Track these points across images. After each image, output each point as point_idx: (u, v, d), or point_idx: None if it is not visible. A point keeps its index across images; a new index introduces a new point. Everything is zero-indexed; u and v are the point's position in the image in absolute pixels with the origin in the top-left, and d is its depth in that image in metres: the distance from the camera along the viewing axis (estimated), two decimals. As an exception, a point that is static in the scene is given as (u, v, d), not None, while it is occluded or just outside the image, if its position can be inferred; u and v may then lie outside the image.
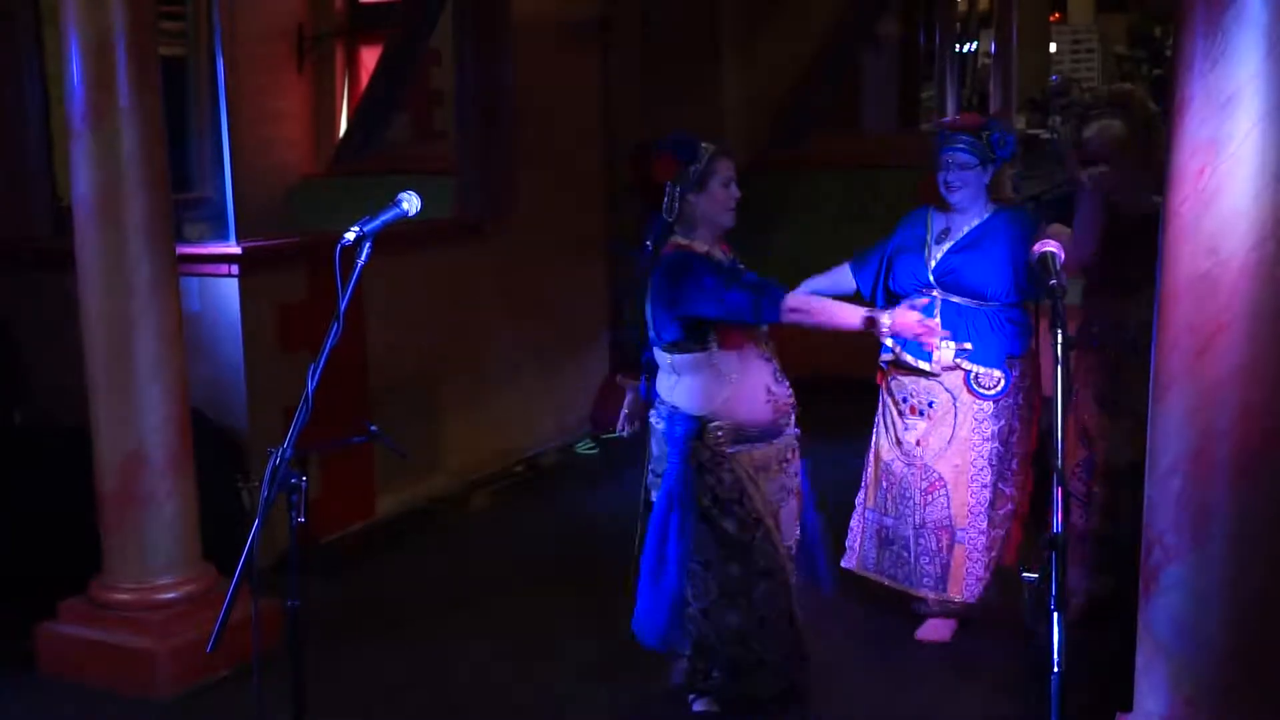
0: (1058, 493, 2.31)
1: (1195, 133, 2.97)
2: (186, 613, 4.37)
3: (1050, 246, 2.86)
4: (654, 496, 3.83)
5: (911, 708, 4.17)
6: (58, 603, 4.51)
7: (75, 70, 4.15)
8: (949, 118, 4.58)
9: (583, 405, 7.60)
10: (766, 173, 9.17)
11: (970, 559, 4.41)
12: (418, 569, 5.58)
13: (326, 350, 2.73)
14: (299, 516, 2.75)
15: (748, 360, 3.74)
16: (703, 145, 3.75)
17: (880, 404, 4.56)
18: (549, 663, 4.49)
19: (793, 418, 3.88)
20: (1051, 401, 2.44)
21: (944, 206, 4.41)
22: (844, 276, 4.60)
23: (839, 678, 4.32)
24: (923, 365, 4.35)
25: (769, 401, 3.77)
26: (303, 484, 2.74)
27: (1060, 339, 2.50)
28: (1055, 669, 2.22)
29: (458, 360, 6.60)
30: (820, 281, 4.54)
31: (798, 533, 3.97)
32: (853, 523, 4.66)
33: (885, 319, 3.71)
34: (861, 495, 4.64)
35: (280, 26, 8.13)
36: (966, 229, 4.35)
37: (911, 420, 4.43)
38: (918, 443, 4.41)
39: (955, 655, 4.50)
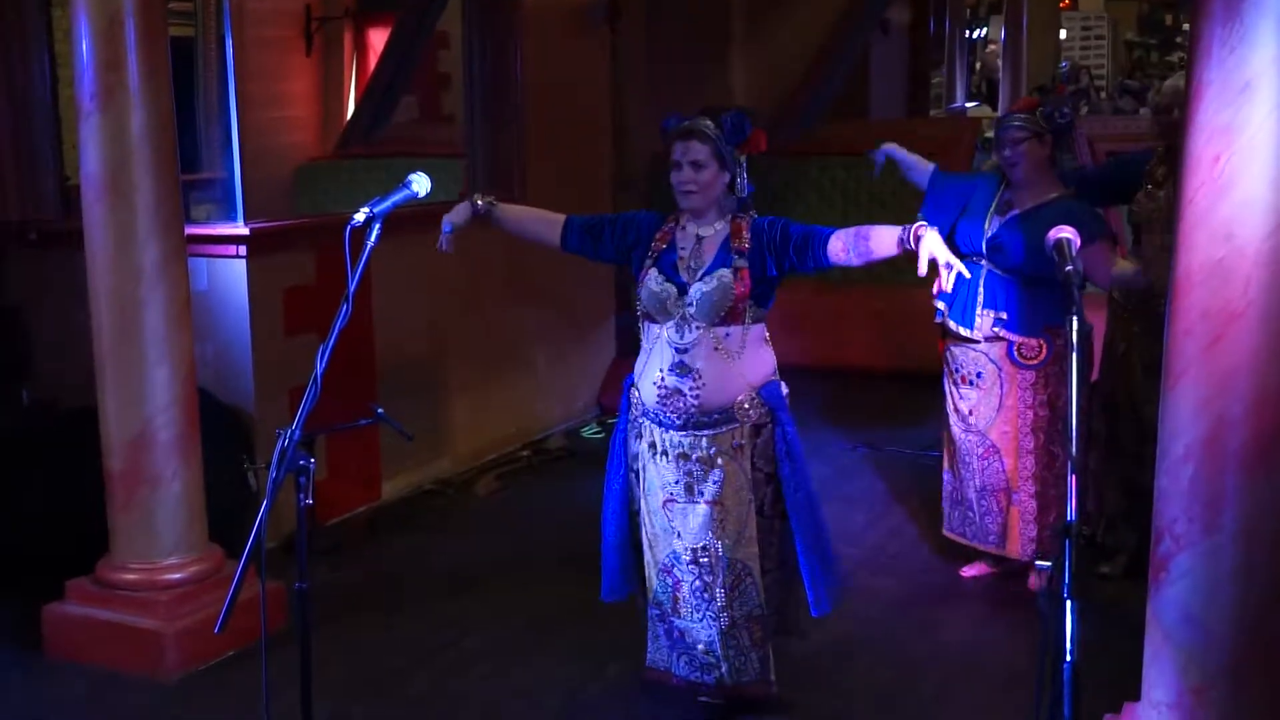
0: (1072, 481, 2.29)
1: (1211, 119, 2.95)
2: (193, 593, 4.38)
3: (1065, 233, 2.84)
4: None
5: (923, 696, 4.17)
6: (65, 583, 4.51)
7: (85, 50, 4.14)
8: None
9: (589, 389, 7.59)
10: (775, 159, 9.16)
11: (1023, 520, 4.69)
12: (423, 552, 5.58)
13: (336, 332, 2.71)
14: (306, 499, 2.74)
15: (651, 338, 3.69)
16: (673, 125, 3.64)
17: (943, 371, 4.84)
18: (553, 646, 4.49)
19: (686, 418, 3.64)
20: (1066, 388, 2.43)
21: (992, 177, 4.74)
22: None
23: (847, 663, 4.32)
24: (963, 332, 4.63)
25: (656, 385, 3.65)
26: (310, 466, 2.73)
27: (1076, 326, 2.48)
28: (1068, 658, 2.21)
29: (464, 344, 6.59)
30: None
31: (717, 544, 3.68)
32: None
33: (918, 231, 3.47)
34: (944, 459, 4.96)
35: (289, 8, 8.12)
36: (1027, 206, 4.56)
37: (965, 390, 4.72)
38: (970, 411, 4.71)
39: (967, 644, 4.50)
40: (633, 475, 3.81)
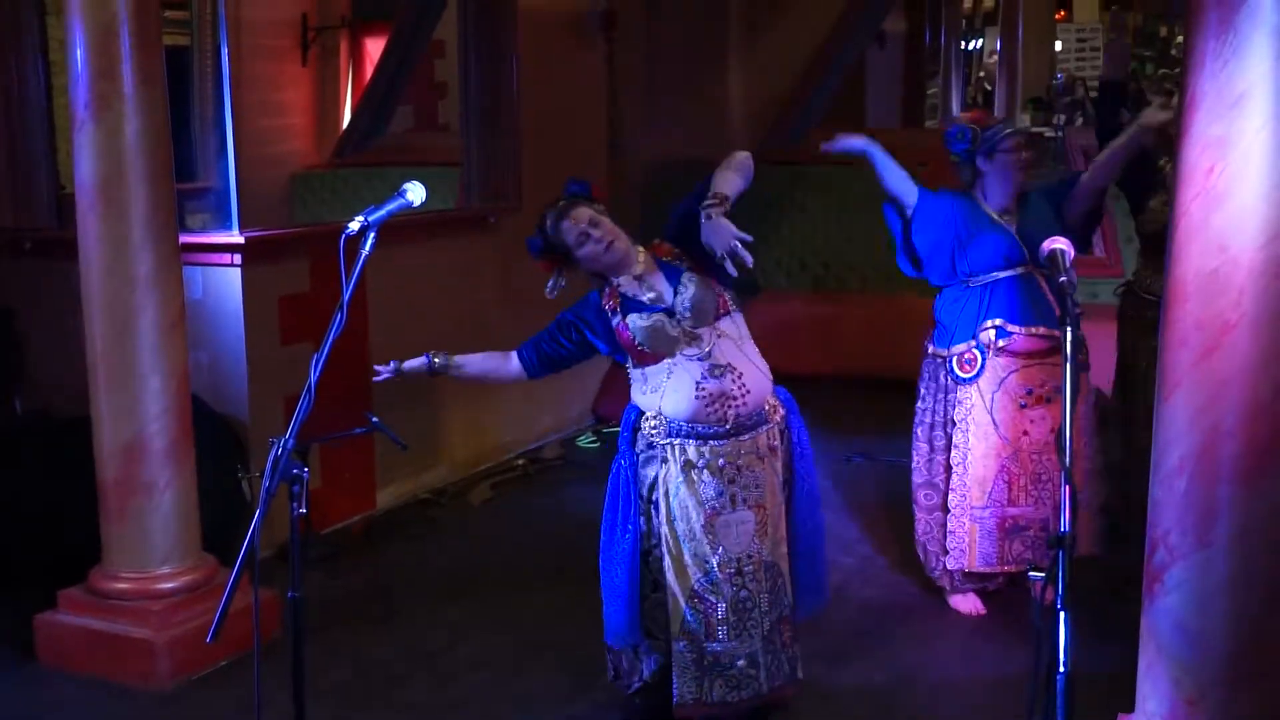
0: (1065, 492, 2.29)
1: (1205, 131, 2.96)
2: (186, 603, 4.36)
3: (1059, 244, 2.85)
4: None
5: (916, 705, 4.17)
6: (57, 592, 4.50)
7: (79, 58, 4.14)
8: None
9: (584, 398, 7.59)
10: (770, 166, 9.17)
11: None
12: (418, 561, 5.57)
13: (330, 340, 2.71)
14: (300, 508, 2.73)
15: (661, 373, 3.69)
16: (545, 221, 3.72)
17: (974, 406, 4.65)
18: (549, 655, 4.49)
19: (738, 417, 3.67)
20: (1060, 399, 2.43)
21: (967, 192, 4.66)
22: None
23: (841, 672, 4.32)
24: (1037, 346, 4.60)
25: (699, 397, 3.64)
26: (304, 475, 2.72)
27: (1070, 336, 2.48)
28: (1061, 669, 2.20)
29: (460, 352, 6.57)
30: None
31: (760, 548, 3.70)
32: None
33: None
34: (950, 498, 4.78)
35: (285, 17, 8.13)
36: (1009, 203, 4.61)
37: (1036, 410, 4.61)
38: (1025, 432, 4.63)
39: (961, 653, 4.50)
40: (651, 508, 3.72)
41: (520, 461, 6.90)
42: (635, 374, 3.75)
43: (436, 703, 4.22)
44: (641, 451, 3.71)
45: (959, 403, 4.60)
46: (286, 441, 2.68)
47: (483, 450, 6.80)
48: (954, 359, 4.60)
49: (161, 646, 4.29)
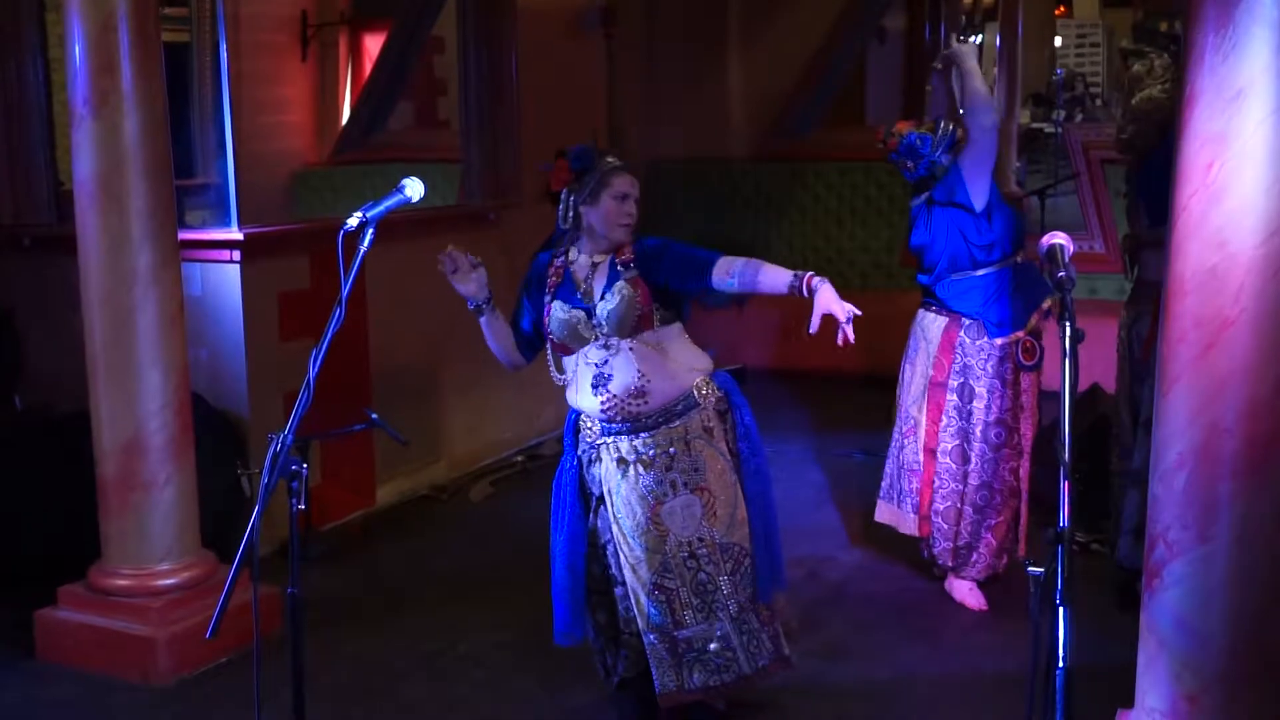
0: (1064, 487, 2.29)
1: (1204, 126, 2.96)
2: (186, 599, 4.37)
3: (1059, 239, 2.84)
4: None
5: (916, 701, 4.17)
6: (57, 588, 4.50)
7: (78, 54, 4.14)
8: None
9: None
10: (770, 163, 9.18)
11: None
12: (417, 558, 5.57)
13: (329, 336, 2.71)
14: (299, 504, 2.73)
15: (571, 367, 3.73)
16: (605, 158, 3.71)
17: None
18: (548, 652, 4.47)
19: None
20: (1060, 394, 2.42)
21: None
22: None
23: (841, 668, 4.32)
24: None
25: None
26: (303, 471, 2.72)
27: (1069, 333, 2.48)
28: (1060, 664, 2.20)
29: (459, 349, 6.57)
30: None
31: (713, 531, 3.67)
32: None
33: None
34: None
35: (284, 13, 8.11)
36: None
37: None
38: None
39: (960, 649, 4.50)
40: (596, 504, 3.78)
41: (520, 458, 6.91)
42: (552, 361, 3.77)
43: (436, 700, 4.22)
44: (584, 452, 3.77)
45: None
46: (286, 437, 2.68)
47: (483, 447, 6.80)
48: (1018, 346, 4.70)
49: (161, 643, 4.29)
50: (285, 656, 2.83)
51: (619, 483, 3.69)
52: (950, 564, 4.80)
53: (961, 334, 4.66)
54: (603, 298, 3.62)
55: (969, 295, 4.62)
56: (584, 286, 3.68)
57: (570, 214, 3.72)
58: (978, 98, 4.55)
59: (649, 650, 3.73)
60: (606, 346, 3.62)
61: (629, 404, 3.62)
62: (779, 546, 3.80)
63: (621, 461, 3.68)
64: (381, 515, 6.01)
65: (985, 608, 4.76)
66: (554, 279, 3.74)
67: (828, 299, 3.40)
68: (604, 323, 3.60)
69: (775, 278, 3.52)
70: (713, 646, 3.73)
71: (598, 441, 3.72)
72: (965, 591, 4.81)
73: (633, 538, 3.69)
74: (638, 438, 3.65)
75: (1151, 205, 4.76)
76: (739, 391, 3.79)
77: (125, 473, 4.31)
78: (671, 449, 3.64)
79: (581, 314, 3.64)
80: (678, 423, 3.65)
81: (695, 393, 3.66)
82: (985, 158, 4.57)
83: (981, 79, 4.59)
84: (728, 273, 3.54)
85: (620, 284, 3.61)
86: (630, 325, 3.59)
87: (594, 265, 3.71)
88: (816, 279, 3.45)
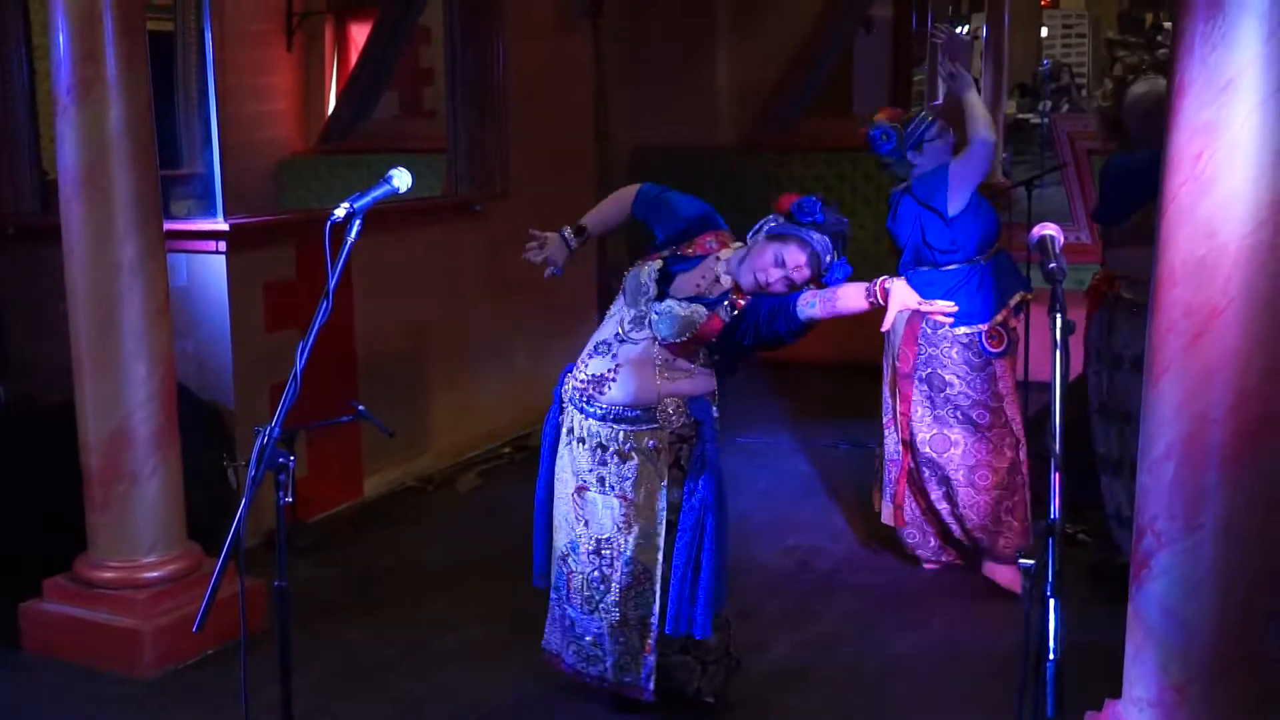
0: (1055, 479, 2.28)
1: (1194, 116, 2.95)
2: (172, 591, 4.35)
3: (1049, 229, 2.83)
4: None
5: (906, 692, 4.17)
6: (43, 580, 4.48)
7: (62, 43, 4.10)
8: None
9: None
10: (758, 154, 9.16)
11: None
12: (405, 549, 5.56)
13: (316, 328, 2.70)
14: (286, 496, 2.72)
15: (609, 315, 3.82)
16: (818, 221, 3.70)
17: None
18: (535, 643, 4.47)
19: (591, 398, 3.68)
20: (1050, 386, 2.42)
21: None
22: None
23: (830, 659, 4.32)
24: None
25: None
26: (290, 463, 2.71)
27: (1060, 324, 2.47)
28: (1051, 656, 2.20)
29: (447, 340, 6.57)
30: None
31: (624, 540, 3.68)
32: None
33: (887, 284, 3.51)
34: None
35: (269, 2, 8.08)
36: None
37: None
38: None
39: (950, 639, 4.51)
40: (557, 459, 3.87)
41: (507, 449, 6.89)
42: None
43: (423, 691, 4.21)
44: (563, 406, 3.83)
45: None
46: (272, 429, 2.67)
47: (470, 438, 6.79)
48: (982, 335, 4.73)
49: (147, 635, 4.27)
50: (271, 648, 2.82)
51: (565, 448, 3.77)
52: (983, 544, 4.85)
53: (924, 325, 4.68)
54: (682, 301, 3.61)
55: (932, 288, 4.58)
56: (696, 284, 3.67)
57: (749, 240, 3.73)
58: (978, 124, 4.55)
59: (550, 603, 3.88)
60: (639, 329, 3.63)
61: (590, 384, 3.66)
62: (711, 591, 3.62)
63: (571, 431, 3.75)
64: (368, 507, 6.00)
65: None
66: (689, 249, 3.72)
67: (903, 294, 3.44)
68: (658, 314, 3.59)
69: (852, 298, 3.54)
70: (588, 639, 3.81)
71: (567, 400, 3.78)
72: (1010, 578, 4.82)
73: (558, 502, 3.82)
74: (589, 418, 3.68)
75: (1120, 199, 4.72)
76: (713, 424, 3.66)
77: (111, 464, 4.29)
78: (612, 448, 3.66)
79: (654, 290, 3.63)
80: (626, 428, 3.64)
81: (658, 410, 3.62)
82: (976, 172, 4.58)
83: (983, 109, 4.57)
84: (809, 300, 3.56)
85: (700, 306, 3.58)
86: (668, 335, 3.58)
87: (718, 279, 3.69)
88: (889, 281, 3.47)
